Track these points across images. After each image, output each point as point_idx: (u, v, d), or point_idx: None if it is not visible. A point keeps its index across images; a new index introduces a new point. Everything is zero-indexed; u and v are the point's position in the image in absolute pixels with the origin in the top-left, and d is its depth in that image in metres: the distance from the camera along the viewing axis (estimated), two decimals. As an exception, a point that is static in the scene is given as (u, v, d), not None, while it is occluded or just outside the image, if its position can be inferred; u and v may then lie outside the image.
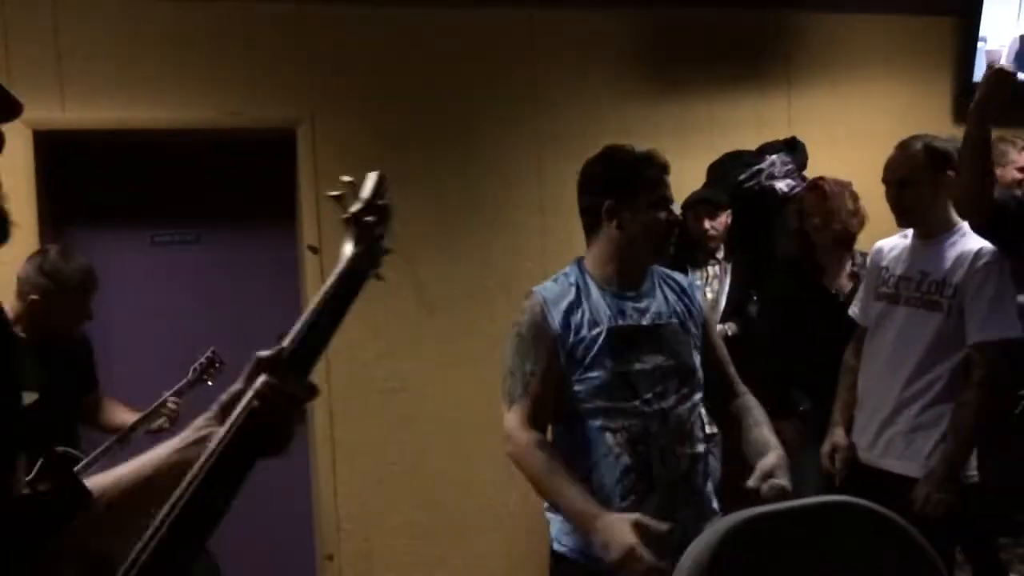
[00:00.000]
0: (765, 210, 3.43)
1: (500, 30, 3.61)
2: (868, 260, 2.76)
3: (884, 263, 2.64)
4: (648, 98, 3.75)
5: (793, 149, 3.52)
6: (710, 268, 3.44)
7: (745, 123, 3.80)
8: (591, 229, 2.05)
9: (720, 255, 3.45)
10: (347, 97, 3.46)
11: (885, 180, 2.58)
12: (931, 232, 2.53)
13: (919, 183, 2.49)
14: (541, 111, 3.63)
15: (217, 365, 2.86)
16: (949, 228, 2.51)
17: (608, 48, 3.73)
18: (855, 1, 3.99)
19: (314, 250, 3.34)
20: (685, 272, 3.13)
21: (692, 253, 3.41)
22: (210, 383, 2.84)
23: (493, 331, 3.55)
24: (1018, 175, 3.49)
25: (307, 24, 3.43)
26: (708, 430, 3.38)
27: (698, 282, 3.30)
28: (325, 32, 3.45)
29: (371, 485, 3.49)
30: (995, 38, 4.13)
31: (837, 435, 2.67)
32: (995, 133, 3.59)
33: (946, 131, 3.92)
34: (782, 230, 3.35)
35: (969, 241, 2.46)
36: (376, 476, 3.49)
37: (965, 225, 2.48)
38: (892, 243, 2.67)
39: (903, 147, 2.57)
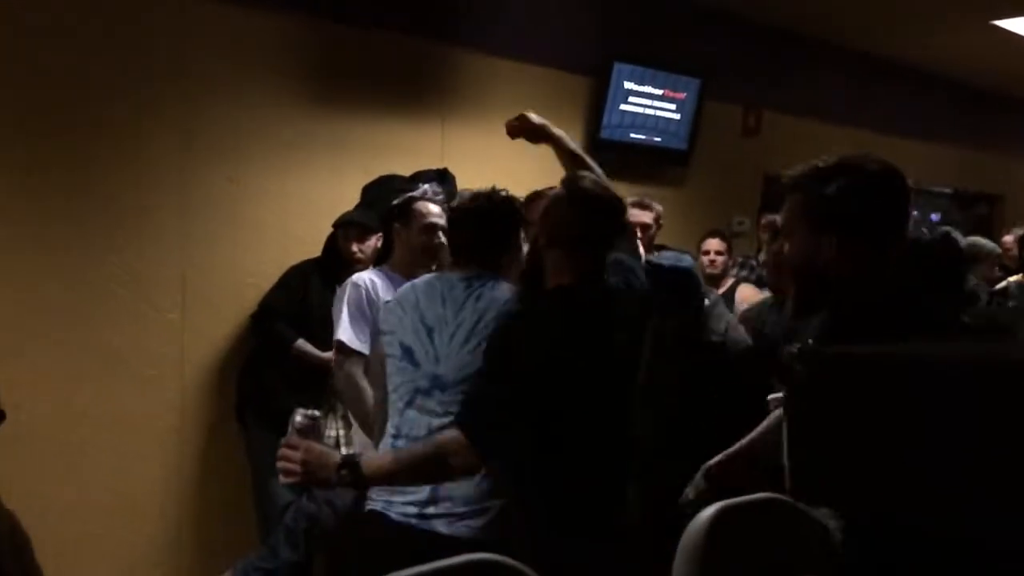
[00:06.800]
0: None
1: (148, 11, 3.30)
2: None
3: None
4: (306, 112, 3.68)
5: (444, 180, 3.67)
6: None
7: (400, 149, 3.89)
8: None
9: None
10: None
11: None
12: None
13: None
14: (190, 109, 3.40)
15: None
16: None
17: (268, 52, 3.60)
18: (506, 47, 4.28)
19: None
20: (333, 290, 3.13)
21: (340, 272, 3.39)
22: None
23: (117, 341, 3.24)
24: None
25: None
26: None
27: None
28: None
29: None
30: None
31: None
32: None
33: (576, 179, 4.38)
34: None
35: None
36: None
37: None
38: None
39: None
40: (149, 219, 3.31)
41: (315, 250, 3.48)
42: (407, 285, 2.32)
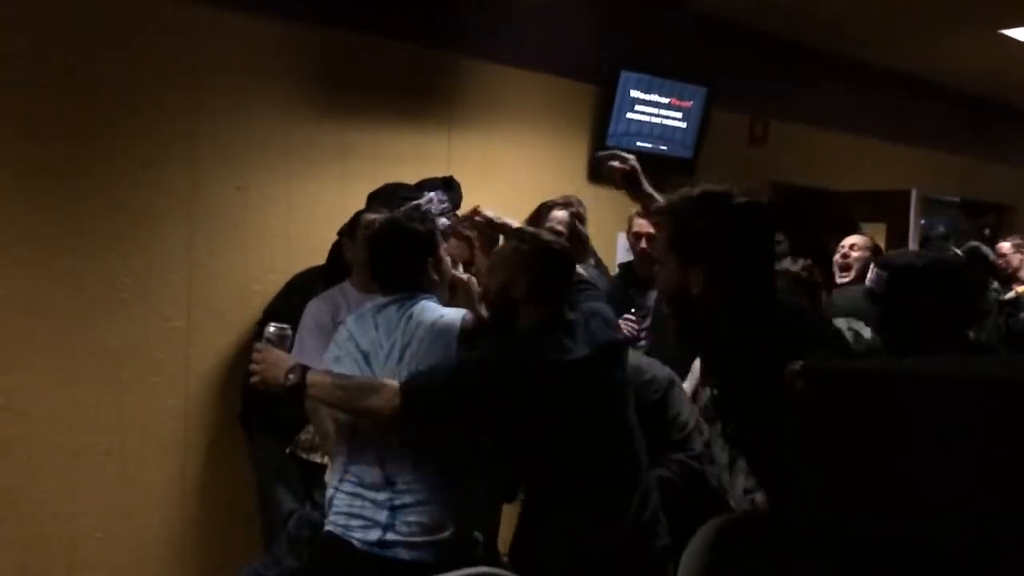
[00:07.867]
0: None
1: (156, 18, 3.31)
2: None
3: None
4: (312, 119, 3.68)
5: (449, 188, 3.66)
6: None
7: (407, 156, 3.89)
8: None
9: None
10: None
11: None
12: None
13: None
14: (198, 117, 3.40)
15: None
16: None
17: (276, 60, 3.61)
18: (513, 55, 4.29)
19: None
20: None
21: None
22: None
23: (121, 347, 3.25)
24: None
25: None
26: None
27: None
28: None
29: (-45, 519, 2.99)
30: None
31: None
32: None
33: (581, 187, 4.39)
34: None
35: None
36: (-38, 509, 3.00)
37: None
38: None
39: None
40: (155, 226, 3.32)
41: (320, 258, 3.49)
42: (343, 325, 2.49)
